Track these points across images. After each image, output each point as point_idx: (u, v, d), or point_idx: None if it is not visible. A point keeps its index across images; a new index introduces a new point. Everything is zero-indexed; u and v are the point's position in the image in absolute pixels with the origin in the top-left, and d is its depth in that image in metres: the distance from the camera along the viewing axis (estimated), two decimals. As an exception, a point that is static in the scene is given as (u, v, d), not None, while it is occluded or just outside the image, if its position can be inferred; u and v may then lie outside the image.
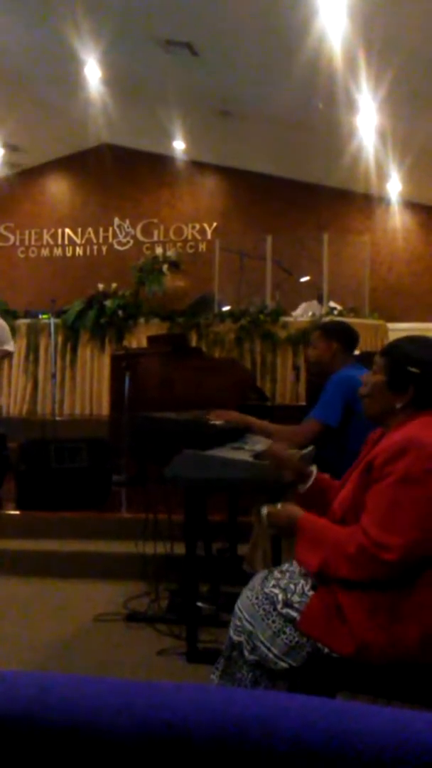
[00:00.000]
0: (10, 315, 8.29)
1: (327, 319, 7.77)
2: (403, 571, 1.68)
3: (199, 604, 3.22)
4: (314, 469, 2.19)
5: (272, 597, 1.84)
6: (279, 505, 2.00)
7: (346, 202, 11.32)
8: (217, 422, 3.12)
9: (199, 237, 11.87)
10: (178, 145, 11.21)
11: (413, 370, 1.86)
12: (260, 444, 3.15)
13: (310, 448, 2.66)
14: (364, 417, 2.03)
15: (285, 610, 1.80)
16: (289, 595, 1.83)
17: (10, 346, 6.10)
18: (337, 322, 3.83)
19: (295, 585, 1.86)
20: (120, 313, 7.97)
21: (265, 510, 2.00)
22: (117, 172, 11.85)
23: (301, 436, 3.08)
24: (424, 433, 1.77)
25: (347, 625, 1.69)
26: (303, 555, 1.83)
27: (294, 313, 8.35)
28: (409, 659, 1.66)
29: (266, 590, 1.87)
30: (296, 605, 1.80)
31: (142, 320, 7.99)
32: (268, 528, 2.04)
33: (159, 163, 11.79)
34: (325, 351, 3.35)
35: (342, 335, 3.37)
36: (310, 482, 2.15)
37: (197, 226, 11.91)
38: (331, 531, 1.81)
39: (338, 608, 1.72)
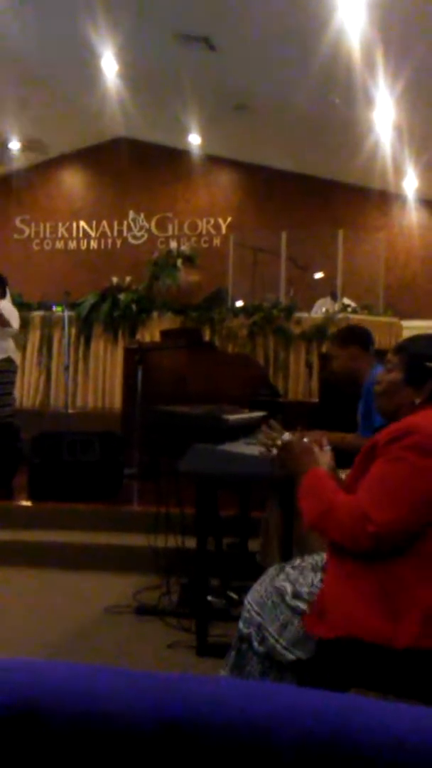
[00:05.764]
0: (25, 307, 8.32)
1: (340, 315, 7.76)
2: (386, 548, 1.68)
3: (210, 598, 3.23)
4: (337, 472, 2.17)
5: (281, 589, 1.85)
6: (305, 439, 2.04)
7: (362, 198, 11.25)
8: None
9: (213, 232, 11.85)
10: (194, 140, 11.18)
11: (431, 365, 1.89)
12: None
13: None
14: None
15: (293, 602, 1.81)
16: (298, 587, 1.84)
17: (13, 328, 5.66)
18: (346, 327, 3.90)
19: (305, 578, 1.87)
20: (133, 306, 7.97)
21: (287, 436, 2.06)
22: (132, 165, 11.85)
23: None
24: (427, 420, 1.80)
25: (350, 617, 1.69)
26: (303, 501, 1.87)
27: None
28: (414, 645, 1.65)
29: (276, 584, 1.88)
30: (305, 596, 1.81)
31: (155, 314, 7.98)
32: (277, 457, 2.06)
33: (174, 157, 11.77)
34: (347, 358, 3.39)
35: (355, 337, 3.43)
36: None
37: (212, 221, 11.90)
38: (333, 493, 1.83)
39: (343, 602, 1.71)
